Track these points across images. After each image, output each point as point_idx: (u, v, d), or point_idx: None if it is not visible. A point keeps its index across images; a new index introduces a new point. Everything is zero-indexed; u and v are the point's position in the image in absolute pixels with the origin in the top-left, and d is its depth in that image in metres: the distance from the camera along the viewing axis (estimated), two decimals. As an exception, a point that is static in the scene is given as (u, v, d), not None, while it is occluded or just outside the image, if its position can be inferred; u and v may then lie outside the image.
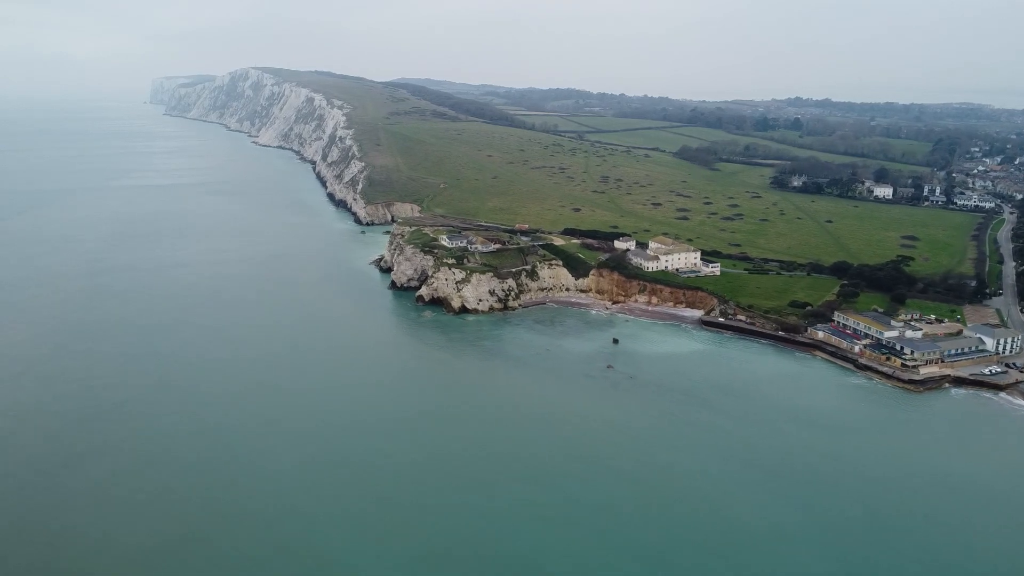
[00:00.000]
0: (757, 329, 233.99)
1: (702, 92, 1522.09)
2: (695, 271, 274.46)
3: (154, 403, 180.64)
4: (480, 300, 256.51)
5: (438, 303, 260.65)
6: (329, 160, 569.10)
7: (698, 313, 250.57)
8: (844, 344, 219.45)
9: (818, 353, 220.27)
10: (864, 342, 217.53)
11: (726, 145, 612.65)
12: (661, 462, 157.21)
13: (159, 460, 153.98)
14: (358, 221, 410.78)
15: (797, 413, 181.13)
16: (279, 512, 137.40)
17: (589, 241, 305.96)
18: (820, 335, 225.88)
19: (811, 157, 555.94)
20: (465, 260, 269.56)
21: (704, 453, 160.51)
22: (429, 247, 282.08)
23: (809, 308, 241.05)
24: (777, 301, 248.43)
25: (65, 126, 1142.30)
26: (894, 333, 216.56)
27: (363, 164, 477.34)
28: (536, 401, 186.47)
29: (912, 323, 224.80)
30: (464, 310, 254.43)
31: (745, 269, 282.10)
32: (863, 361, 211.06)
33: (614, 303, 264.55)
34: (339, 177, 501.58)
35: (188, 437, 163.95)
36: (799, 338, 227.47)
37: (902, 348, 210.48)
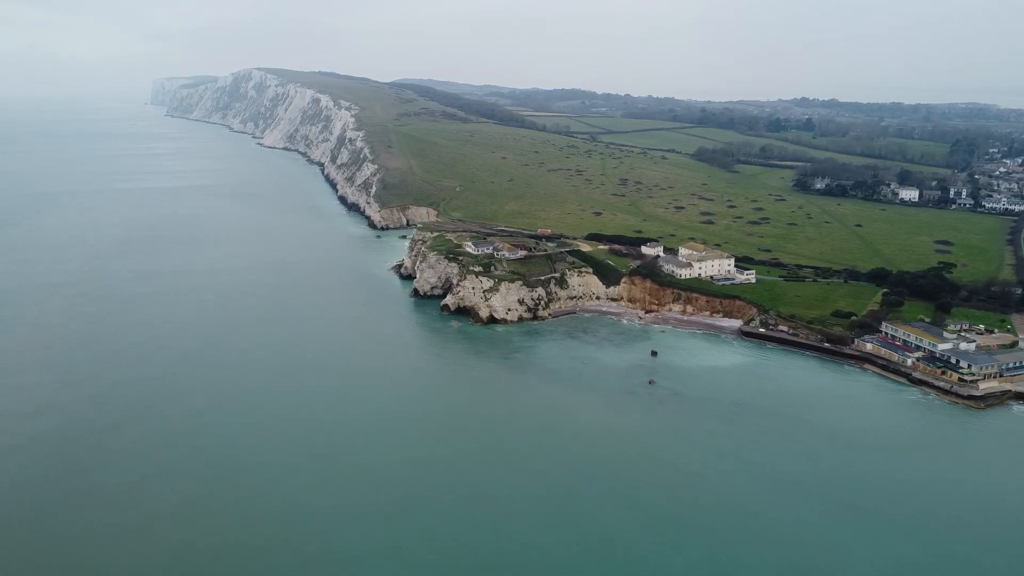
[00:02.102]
0: (801, 340, 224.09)
1: (707, 92, 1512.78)
2: (729, 278, 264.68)
3: (175, 410, 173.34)
4: (509, 310, 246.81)
5: (464, 313, 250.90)
6: (339, 162, 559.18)
7: (737, 323, 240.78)
8: (895, 357, 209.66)
9: (867, 366, 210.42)
10: (916, 355, 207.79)
11: (741, 146, 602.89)
12: (722, 493, 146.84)
13: (183, 465, 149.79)
14: (372, 225, 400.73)
15: (855, 433, 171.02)
16: (309, 522, 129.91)
17: (616, 247, 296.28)
18: (868, 347, 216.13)
19: (828, 159, 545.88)
20: (492, 268, 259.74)
21: (766, 481, 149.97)
22: (454, 254, 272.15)
23: (854, 318, 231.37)
24: (819, 310, 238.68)
25: (66, 128, 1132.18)
26: (947, 345, 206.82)
27: (376, 167, 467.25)
28: (577, 420, 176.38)
29: (964, 334, 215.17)
30: (492, 320, 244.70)
31: (780, 276, 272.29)
32: (917, 375, 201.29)
33: (647, 312, 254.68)
34: (351, 180, 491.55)
35: (205, 450, 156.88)
36: (846, 350, 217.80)
37: (958, 361, 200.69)
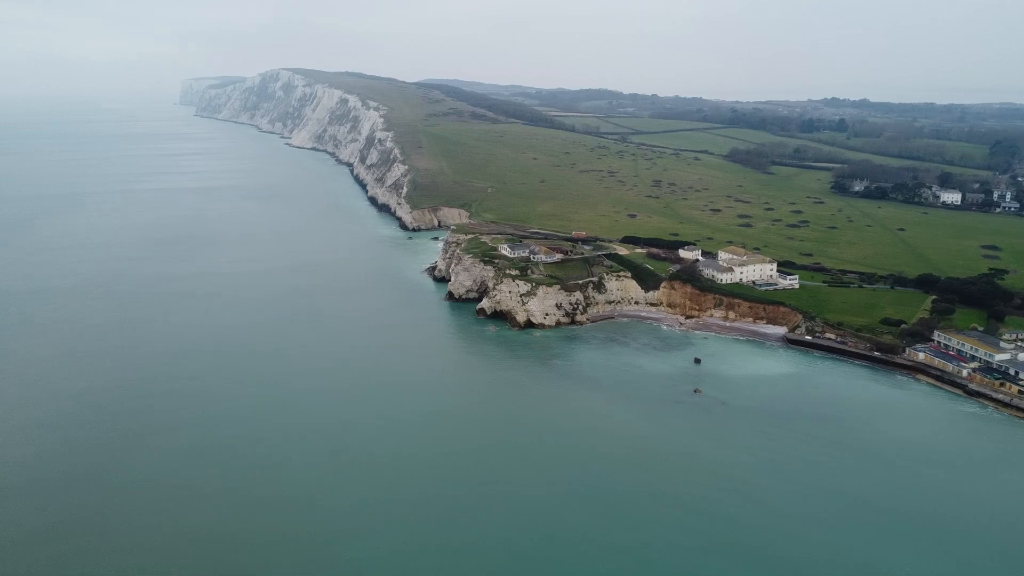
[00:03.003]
0: (850, 349, 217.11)
1: (735, 92, 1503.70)
2: (772, 284, 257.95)
3: (208, 410, 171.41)
4: (546, 314, 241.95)
5: (501, 317, 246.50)
6: (368, 163, 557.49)
7: (781, 330, 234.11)
8: (949, 367, 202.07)
9: (920, 376, 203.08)
10: (972, 365, 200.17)
11: (774, 147, 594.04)
12: (780, 507, 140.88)
13: (216, 464, 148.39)
14: (404, 226, 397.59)
15: (914, 446, 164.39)
16: (342, 520, 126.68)
17: (654, 250, 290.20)
18: (920, 356, 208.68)
19: (864, 160, 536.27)
20: (529, 271, 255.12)
21: (826, 497, 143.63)
22: (489, 257, 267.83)
23: (904, 326, 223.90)
24: (867, 318, 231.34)
25: (97, 128, 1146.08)
26: (1005, 356, 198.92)
27: (406, 167, 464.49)
28: (622, 430, 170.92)
29: (1020, 344, 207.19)
30: (529, 324, 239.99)
31: (824, 281, 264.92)
32: (973, 387, 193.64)
33: (688, 318, 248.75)
34: (380, 181, 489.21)
35: (238, 449, 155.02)
36: (897, 359, 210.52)
37: (1017, 373, 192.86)
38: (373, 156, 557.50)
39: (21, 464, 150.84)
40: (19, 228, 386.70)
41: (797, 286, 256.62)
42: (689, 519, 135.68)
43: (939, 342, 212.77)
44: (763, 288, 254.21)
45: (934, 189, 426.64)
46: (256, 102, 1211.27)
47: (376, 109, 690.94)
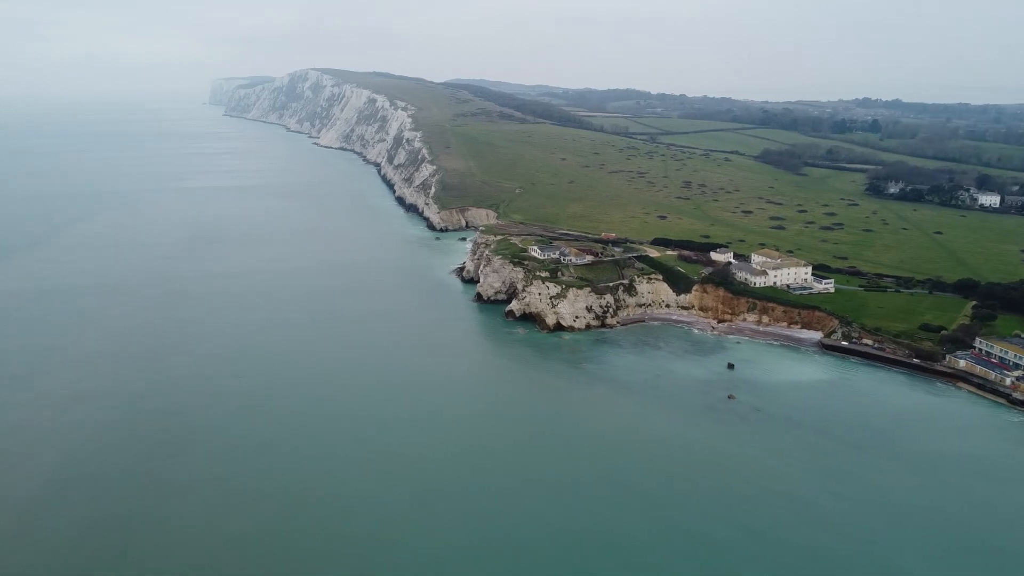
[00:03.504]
0: (888, 355, 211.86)
1: (765, 92, 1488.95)
2: (807, 287, 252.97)
3: (237, 415, 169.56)
4: (577, 317, 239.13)
5: (530, 319, 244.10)
6: (396, 163, 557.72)
7: (816, 335, 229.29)
8: (992, 375, 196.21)
9: (961, 385, 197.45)
10: (1016, 373, 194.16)
11: (806, 148, 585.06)
12: (826, 523, 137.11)
13: (245, 460, 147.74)
14: (431, 227, 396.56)
15: (962, 458, 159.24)
16: (371, 514, 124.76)
17: (685, 253, 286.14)
18: (961, 364, 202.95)
19: (899, 161, 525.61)
20: (559, 273, 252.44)
21: (869, 508, 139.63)
22: (519, 258, 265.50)
23: (944, 332, 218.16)
24: (905, 323, 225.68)
25: (127, 127, 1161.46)
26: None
27: (434, 167, 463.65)
28: (655, 436, 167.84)
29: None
30: (559, 327, 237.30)
31: (860, 286, 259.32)
32: (1018, 396, 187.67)
33: (720, 321, 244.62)
34: (408, 180, 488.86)
35: (268, 445, 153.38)
36: (937, 367, 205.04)
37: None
38: (401, 156, 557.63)
39: (75, 460, 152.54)
40: (59, 227, 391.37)
41: (832, 290, 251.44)
42: (731, 531, 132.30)
43: (981, 349, 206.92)
44: (798, 292, 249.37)
45: (972, 191, 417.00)
46: (285, 102, 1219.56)
47: (404, 109, 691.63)
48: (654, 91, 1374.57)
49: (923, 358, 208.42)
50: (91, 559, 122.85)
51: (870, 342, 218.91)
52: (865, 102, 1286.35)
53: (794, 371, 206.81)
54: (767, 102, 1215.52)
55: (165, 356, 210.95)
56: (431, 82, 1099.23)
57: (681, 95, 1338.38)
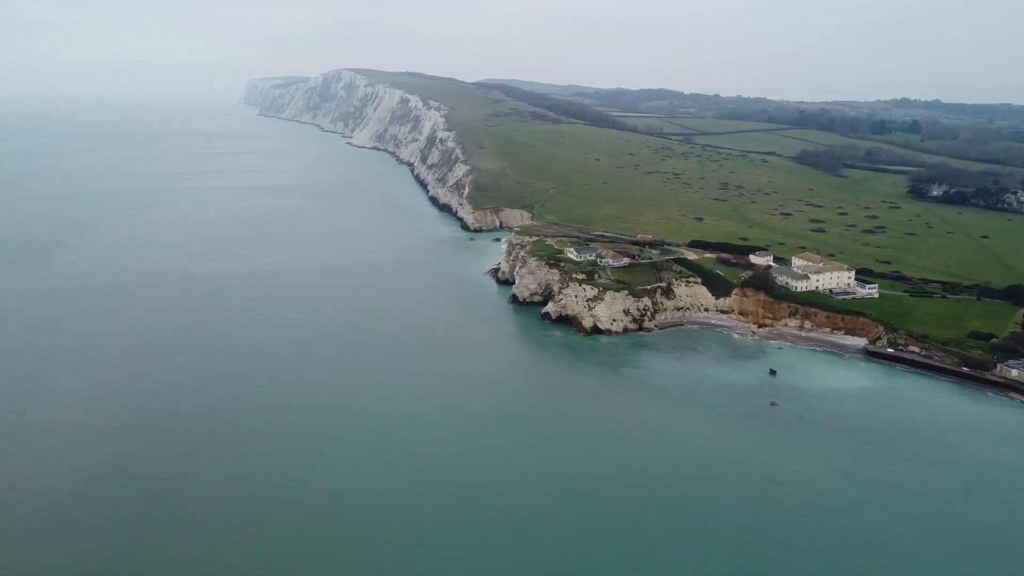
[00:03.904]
0: (936, 363, 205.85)
1: (800, 92, 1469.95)
2: (850, 292, 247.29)
3: (271, 417, 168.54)
4: (614, 320, 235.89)
5: (566, 321, 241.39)
6: (429, 163, 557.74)
7: (861, 342, 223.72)
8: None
9: (1014, 395, 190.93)
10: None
11: (844, 149, 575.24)
12: (864, 533, 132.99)
13: (280, 460, 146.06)
14: (465, 227, 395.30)
15: (1010, 470, 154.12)
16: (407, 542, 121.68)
17: (724, 255, 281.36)
18: (1014, 373, 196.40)
19: (941, 163, 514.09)
20: (596, 275, 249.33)
21: (916, 524, 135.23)
22: (555, 260, 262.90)
23: (994, 340, 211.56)
24: (953, 330, 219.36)
25: (163, 127, 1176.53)
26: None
27: (468, 168, 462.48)
28: (696, 442, 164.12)
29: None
30: (596, 330, 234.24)
31: (904, 291, 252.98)
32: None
33: (760, 326, 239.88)
34: (442, 180, 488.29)
35: (299, 460, 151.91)
36: (988, 376, 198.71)
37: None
38: (434, 156, 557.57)
39: (107, 460, 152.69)
40: (94, 225, 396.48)
41: (876, 295, 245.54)
42: (773, 544, 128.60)
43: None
44: (840, 297, 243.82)
45: (1019, 194, 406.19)
46: (318, 102, 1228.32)
47: (437, 109, 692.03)
48: (687, 91, 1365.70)
49: (973, 367, 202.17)
50: (123, 559, 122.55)
51: (917, 349, 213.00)
52: (903, 102, 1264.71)
53: (838, 378, 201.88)
54: (802, 102, 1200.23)
55: (198, 356, 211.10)
56: (463, 82, 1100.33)
57: (715, 95, 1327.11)
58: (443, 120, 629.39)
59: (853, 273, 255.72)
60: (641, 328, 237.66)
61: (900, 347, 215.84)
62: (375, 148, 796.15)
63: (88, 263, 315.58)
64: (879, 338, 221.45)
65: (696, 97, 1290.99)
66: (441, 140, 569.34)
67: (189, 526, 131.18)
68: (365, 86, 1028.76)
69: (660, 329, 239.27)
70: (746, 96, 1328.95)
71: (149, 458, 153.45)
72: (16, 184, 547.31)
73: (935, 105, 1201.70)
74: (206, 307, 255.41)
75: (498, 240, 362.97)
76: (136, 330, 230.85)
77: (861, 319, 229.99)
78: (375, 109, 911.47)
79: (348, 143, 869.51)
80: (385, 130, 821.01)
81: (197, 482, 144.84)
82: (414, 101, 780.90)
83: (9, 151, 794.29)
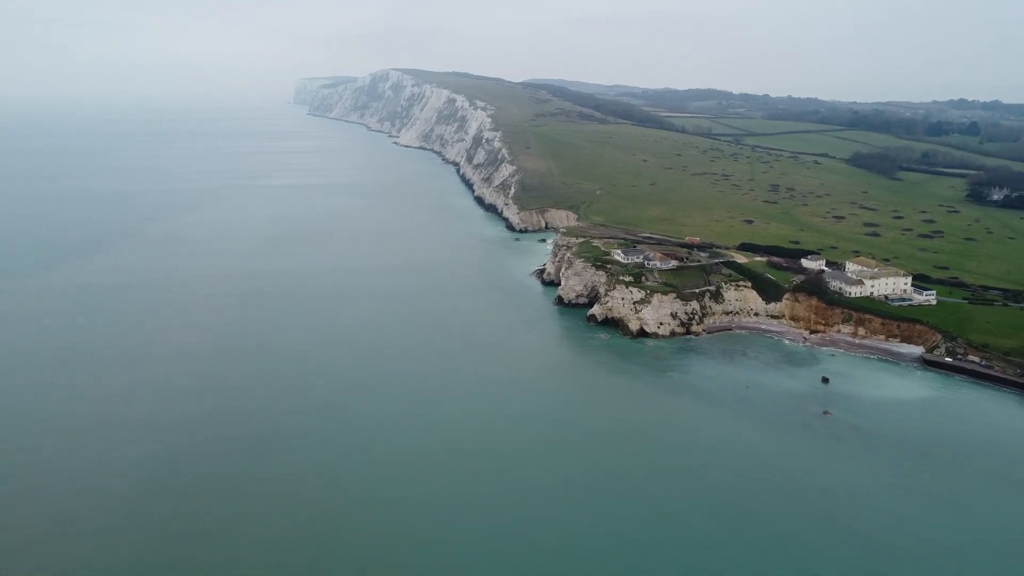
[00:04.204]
0: (997, 374, 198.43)
1: (852, 92, 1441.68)
2: (906, 299, 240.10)
3: (319, 416, 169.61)
4: (661, 323, 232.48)
5: (612, 324, 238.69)
6: (475, 162, 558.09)
7: (917, 350, 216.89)
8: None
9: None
10: None
11: (899, 151, 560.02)
12: (926, 553, 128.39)
13: (323, 459, 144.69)
14: (510, 227, 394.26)
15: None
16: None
17: (775, 259, 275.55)
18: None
19: (1002, 166, 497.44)
20: (643, 278, 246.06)
21: (980, 545, 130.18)
22: (601, 262, 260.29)
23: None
24: (1016, 340, 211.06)
25: (216, 126, 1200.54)
26: None
27: (514, 168, 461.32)
28: (747, 451, 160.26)
29: None
30: (643, 333, 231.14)
31: (963, 298, 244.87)
32: None
33: (812, 332, 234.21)
34: (487, 180, 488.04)
35: (345, 445, 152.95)
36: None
37: None
38: (480, 156, 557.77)
39: (164, 456, 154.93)
40: (155, 220, 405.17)
41: (934, 302, 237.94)
42: (831, 563, 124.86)
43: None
44: (896, 303, 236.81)
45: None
46: (366, 101, 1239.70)
47: (483, 109, 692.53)
48: (736, 91, 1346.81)
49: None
50: (177, 554, 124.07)
51: (977, 359, 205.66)
52: (960, 103, 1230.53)
53: (894, 387, 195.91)
54: (855, 103, 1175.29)
55: (252, 352, 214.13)
56: (510, 82, 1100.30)
57: (764, 95, 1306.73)
58: (489, 120, 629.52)
59: (910, 279, 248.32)
60: (689, 332, 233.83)
61: (959, 356, 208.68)
62: (421, 148, 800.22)
63: (151, 259, 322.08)
64: (936, 347, 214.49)
65: (745, 97, 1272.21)
66: (487, 140, 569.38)
67: (243, 523, 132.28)
68: (412, 86, 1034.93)
69: (708, 333, 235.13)
70: (797, 96, 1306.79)
71: (203, 454, 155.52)
72: (89, 181, 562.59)
73: (994, 106, 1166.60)
74: (258, 305, 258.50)
75: (543, 241, 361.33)
76: (188, 327, 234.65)
77: (918, 327, 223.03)
78: (422, 109, 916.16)
79: (395, 143, 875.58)
80: (431, 130, 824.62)
81: (249, 477, 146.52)
82: (460, 101, 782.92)
83: (80, 150, 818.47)
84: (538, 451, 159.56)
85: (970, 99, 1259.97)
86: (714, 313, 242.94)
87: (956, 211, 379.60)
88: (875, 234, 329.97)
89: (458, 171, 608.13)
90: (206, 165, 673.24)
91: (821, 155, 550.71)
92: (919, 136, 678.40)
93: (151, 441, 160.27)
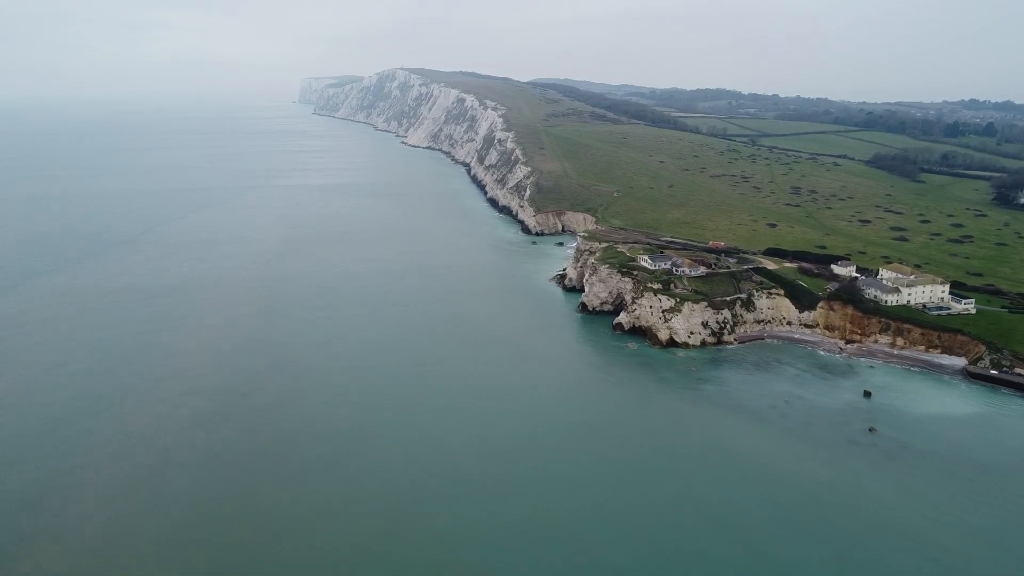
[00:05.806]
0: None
1: (861, 92, 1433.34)
2: (944, 307, 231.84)
3: (348, 420, 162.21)
4: (691, 333, 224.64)
5: (640, 333, 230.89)
6: (487, 163, 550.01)
7: (959, 361, 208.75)
8: None
9: None
10: None
11: (919, 153, 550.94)
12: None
13: (344, 474, 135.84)
14: (526, 230, 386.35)
15: None
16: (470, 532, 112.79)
17: (805, 265, 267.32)
18: None
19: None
20: (672, 285, 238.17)
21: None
22: (627, 268, 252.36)
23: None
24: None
25: (222, 125, 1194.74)
26: None
27: (529, 169, 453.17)
28: (791, 472, 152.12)
29: None
30: (672, 343, 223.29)
31: (1003, 306, 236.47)
32: None
33: (848, 342, 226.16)
34: (501, 182, 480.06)
35: (361, 462, 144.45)
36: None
37: None
38: (492, 156, 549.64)
39: (191, 453, 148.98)
40: (178, 218, 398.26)
41: (974, 311, 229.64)
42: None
43: None
44: (934, 312, 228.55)
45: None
46: (372, 101, 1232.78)
47: (494, 109, 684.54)
48: (745, 91, 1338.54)
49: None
50: (204, 544, 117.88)
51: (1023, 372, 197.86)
52: (972, 104, 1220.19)
53: (939, 402, 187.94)
54: (865, 103, 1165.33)
55: (272, 346, 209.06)
56: (518, 81, 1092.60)
57: (773, 95, 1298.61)
58: (501, 120, 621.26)
59: (947, 287, 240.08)
60: (720, 342, 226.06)
61: (1005, 369, 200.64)
62: (430, 148, 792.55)
63: (174, 260, 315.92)
64: (980, 358, 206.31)
65: (755, 97, 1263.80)
66: (500, 141, 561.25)
67: (276, 547, 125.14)
68: (420, 85, 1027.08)
69: (740, 343, 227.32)
70: (806, 96, 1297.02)
71: (230, 451, 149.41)
72: (107, 179, 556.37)
73: (1006, 106, 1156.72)
74: (282, 307, 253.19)
75: (561, 244, 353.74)
76: (207, 327, 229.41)
77: (959, 337, 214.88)
78: (430, 108, 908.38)
79: (403, 142, 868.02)
80: (440, 130, 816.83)
81: (273, 476, 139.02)
82: (470, 100, 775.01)
83: (99, 148, 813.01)
84: (568, 473, 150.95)
85: (981, 99, 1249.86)
86: (745, 322, 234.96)
87: (984, 215, 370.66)
88: (903, 239, 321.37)
89: (469, 172, 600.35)
90: (216, 164, 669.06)
91: (840, 156, 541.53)
92: (936, 137, 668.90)
93: (177, 436, 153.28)
